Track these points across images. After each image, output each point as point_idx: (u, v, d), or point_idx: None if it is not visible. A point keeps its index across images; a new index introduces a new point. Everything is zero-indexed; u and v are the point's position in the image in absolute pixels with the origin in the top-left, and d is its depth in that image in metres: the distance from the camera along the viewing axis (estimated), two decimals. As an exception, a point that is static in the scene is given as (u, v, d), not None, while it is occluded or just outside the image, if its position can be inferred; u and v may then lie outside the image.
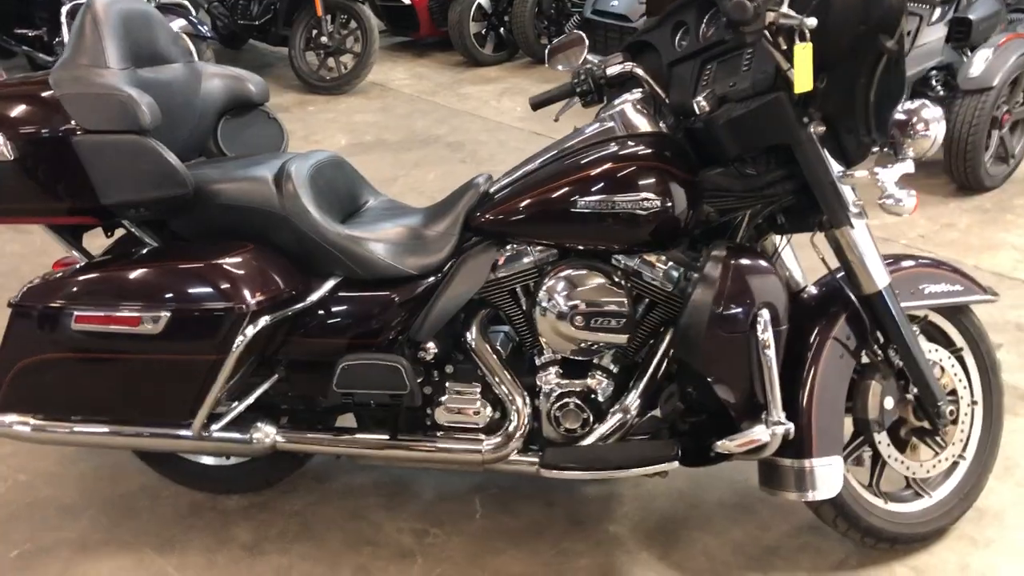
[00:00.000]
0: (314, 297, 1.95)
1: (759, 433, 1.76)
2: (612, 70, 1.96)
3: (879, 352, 1.92)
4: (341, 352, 1.98)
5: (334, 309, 1.99)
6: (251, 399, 2.00)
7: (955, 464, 2.06)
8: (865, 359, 1.92)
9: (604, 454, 1.91)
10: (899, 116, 1.74)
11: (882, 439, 1.95)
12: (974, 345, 2.06)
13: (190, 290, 1.86)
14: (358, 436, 2.05)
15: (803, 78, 1.53)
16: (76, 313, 1.87)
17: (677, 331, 1.81)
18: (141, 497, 2.36)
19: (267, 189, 1.95)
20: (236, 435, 2.01)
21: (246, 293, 1.86)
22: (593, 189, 1.82)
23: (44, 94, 1.86)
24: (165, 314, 1.85)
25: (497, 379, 1.98)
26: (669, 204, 1.80)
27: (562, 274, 1.89)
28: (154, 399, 1.95)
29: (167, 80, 2.11)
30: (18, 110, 1.86)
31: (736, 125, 1.77)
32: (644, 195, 1.80)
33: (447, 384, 2.04)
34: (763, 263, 1.80)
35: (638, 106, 1.92)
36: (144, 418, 1.98)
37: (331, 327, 1.99)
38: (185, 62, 2.19)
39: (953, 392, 2.02)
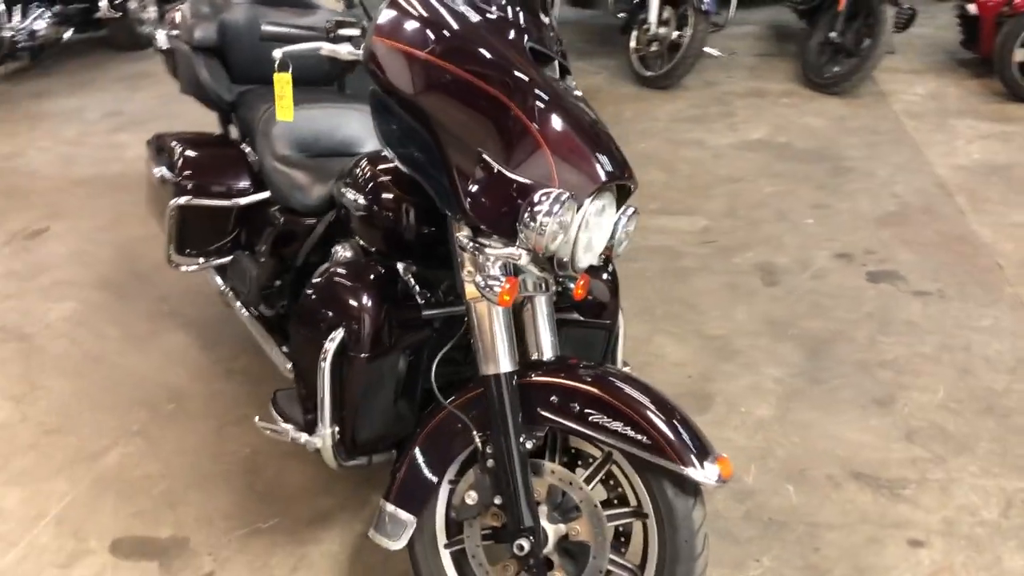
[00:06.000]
0: (240, 201, 2.53)
1: (288, 429, 1.85)
2: None
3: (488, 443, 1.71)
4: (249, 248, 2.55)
5: (259, 216, 2.55)
6: (212, 261, 2.70)
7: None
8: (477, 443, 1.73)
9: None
10: (535, 197, 1.53)
11: (470, 534, 1.76)
12: (660, 521, 1.63)
13: (171, 161, 2.63)
14: (243, 311, 2.60)
15: (282, 106, 1.53)
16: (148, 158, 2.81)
17: None
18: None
19: (259, 116, 2.55)
20: (207, 277, 2.76)
21: (189, 175, 2.56)
22: (348, 179, 1.98)
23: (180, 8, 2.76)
24: (162, 169, 2.66)
25: None
26: (382, 213, 1.87)
27: (337, 243, 2.10)
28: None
29: (292, 21, 2.82)
30: (171, 17, 2.80)
31: None
32: (359, 197, 1.90)
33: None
34: (361, 286, 1.78)
35: None
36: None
37: (254, 228, 2.56)
38: (322, 11, 2.87)
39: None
